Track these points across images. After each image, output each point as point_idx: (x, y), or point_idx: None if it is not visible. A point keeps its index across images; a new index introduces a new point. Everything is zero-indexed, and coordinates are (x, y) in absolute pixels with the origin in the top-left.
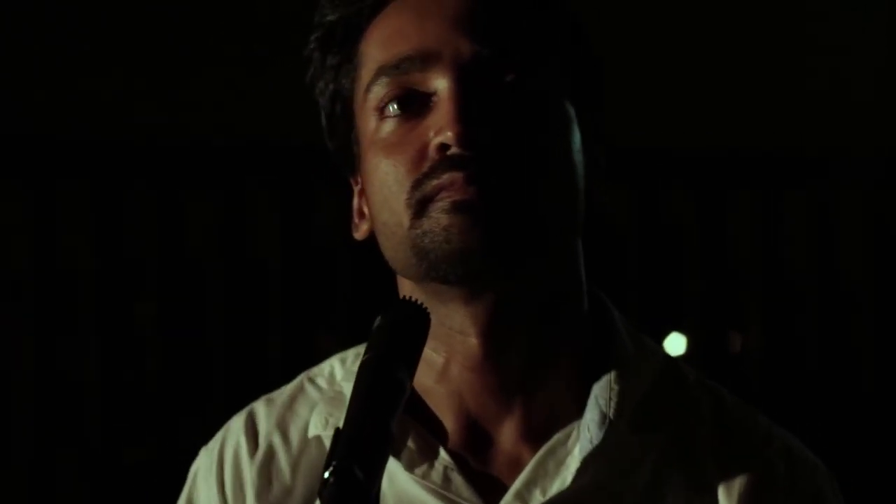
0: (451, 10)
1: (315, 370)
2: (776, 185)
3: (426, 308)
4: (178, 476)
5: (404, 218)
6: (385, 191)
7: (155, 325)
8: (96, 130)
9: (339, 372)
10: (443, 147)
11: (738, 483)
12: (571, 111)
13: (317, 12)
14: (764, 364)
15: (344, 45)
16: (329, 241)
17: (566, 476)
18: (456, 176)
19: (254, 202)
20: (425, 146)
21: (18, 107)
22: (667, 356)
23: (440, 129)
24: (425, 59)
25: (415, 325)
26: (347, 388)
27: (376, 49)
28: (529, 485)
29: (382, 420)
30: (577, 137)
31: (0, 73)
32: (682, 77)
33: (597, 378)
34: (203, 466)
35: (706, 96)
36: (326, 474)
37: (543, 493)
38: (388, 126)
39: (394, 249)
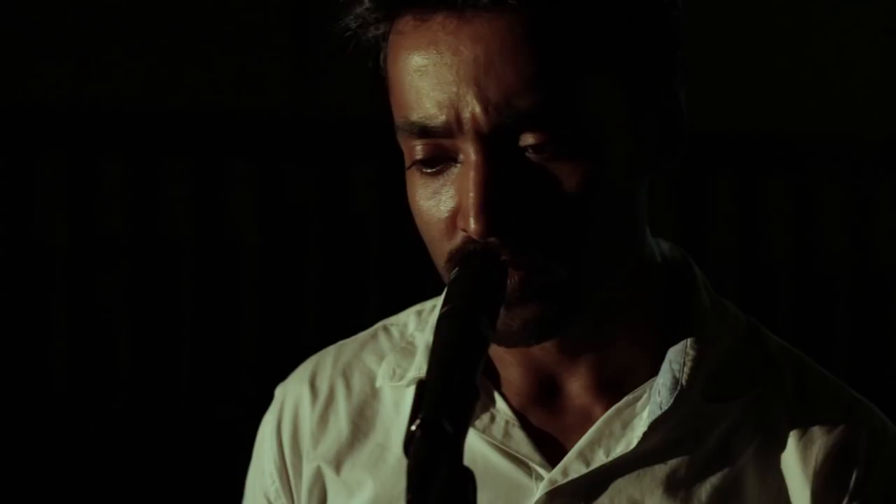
0: (469, 64)
1: (392, 319)
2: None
3: (505, 260)
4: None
5: (445, 279)
6: (426, 240)
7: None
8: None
9: (413, 323)
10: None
11: (816, 455)
12: (626, 124)
13: None
14: None
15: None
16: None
17: (632, 439)
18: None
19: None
20: (455, 215)
21: None
22: (749, 321)
23: (464, 215)
24: (446, 130)
25: (494, 276)
26: (420, 339)
27: (398, 74)
28: (593, 444)
29: (468, 372)
30: (628, 162)
31: None
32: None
33: (673, 340)
34: (267, 423)
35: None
36: (413, 427)
37: (607, 453)
38: (419, 178)
39: (444, 279)
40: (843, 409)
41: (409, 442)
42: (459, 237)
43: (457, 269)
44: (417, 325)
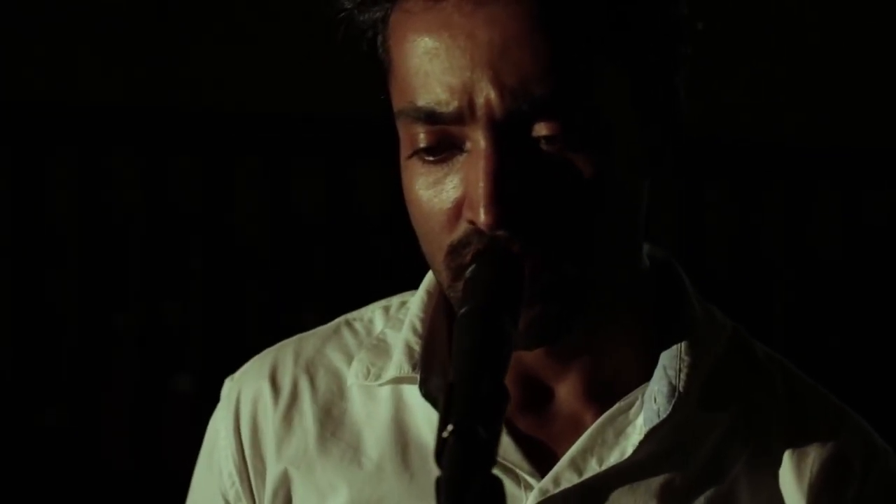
0: (485, 49)
1: (355, 314)
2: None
3: (520, 256)
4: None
5: (443, 275)
6: (421, 232)
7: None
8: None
9: (381, 320)
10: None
11: (811, 466)
12: (633, 118)
13: None
14: None
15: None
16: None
17: (626, 447)
18: None
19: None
20: (459, 205)
21: None
22: (735, 328)
23: (473, 205)
24: (457, 116)
25: (513, 273)
26: (394, 338)
27: (404, 56)
28: (585, 453)
29: (497, 374)
30: (632, 157)
31: None
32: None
33: (664, 345)
34: (221, 419)
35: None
36: (445, 434)
37: (600, 462)
38: (420, 167)
39: (437, 276)
40: (833, 421)
41: (442, 450)
42: (462, 229)
43: (474, 265)
44: (387, 322)
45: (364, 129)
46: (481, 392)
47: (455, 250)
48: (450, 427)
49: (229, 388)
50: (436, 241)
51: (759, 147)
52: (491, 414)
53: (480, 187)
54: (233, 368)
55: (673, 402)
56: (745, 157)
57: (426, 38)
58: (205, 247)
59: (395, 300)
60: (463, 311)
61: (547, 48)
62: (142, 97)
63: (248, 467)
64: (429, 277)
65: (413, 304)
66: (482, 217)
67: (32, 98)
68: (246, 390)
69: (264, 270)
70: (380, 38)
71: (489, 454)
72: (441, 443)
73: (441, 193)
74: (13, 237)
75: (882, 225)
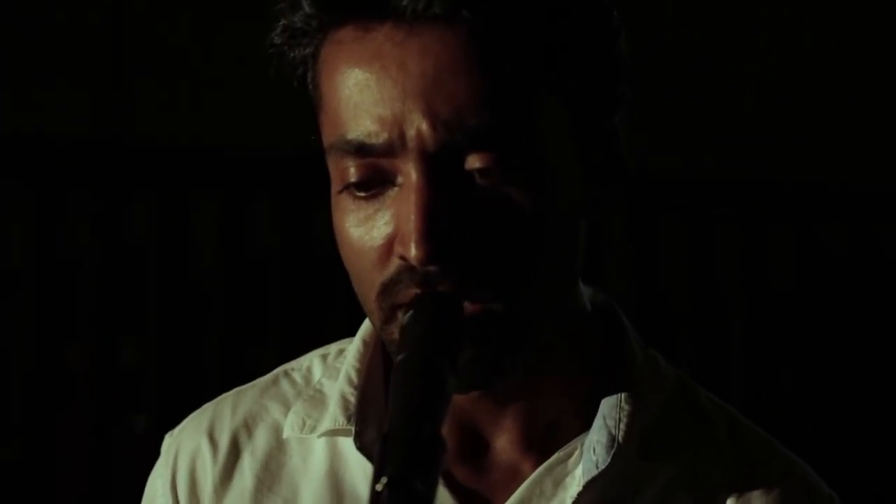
0: (417, 79)
1: (293, 364)
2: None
3: (460, 301)
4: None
5: (375, 316)
6: (353, 272)
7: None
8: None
9: (319, 369)
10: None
11: None
12: (570, 153)
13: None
14: None
15: (307, 44)
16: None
17: (564, 498)
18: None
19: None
20: (391, 241)
21: None
22: (678, 374)
23: (403, 240)
24: (388, 148)
25: (450, 318)
26: (330, 388)
27: (334, 89)
28: None
29: (434, 424)
30: (569, 194)
31: None
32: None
33: (605, 393)
34: (158, 476)
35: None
36: (379, 487)
37: None
38: (351, 203)
39: (369, 316)
40: (777, 469)
41: (376, 502)
42: (394, 266)
43: (410, 312)
44: (324, 371)
45: (322, 166)
46: (418, 443)
47: (386, 289)
48: (384, 480)
49: (168, 444)
50: (367, 280)
51: (708, 182)
52: (427, 465)
53: (412, 221)
54: (189, 407)
55: (612, 452)
56: (694, 190)
57: (356, 70)
58: (160, 284)
59: (333, 348)
60: (399, 358)
61: (481, 78)
62: (94, 132)
63: None
64: (365, 325)
65: (349, 353)
66: (413, 252)
67: None
68: (184, 447)
69: (220, 308)
70: (310, 74)
71: None
72: (375, 497)
73: (372, 230)
74: None
75: (836, 255)
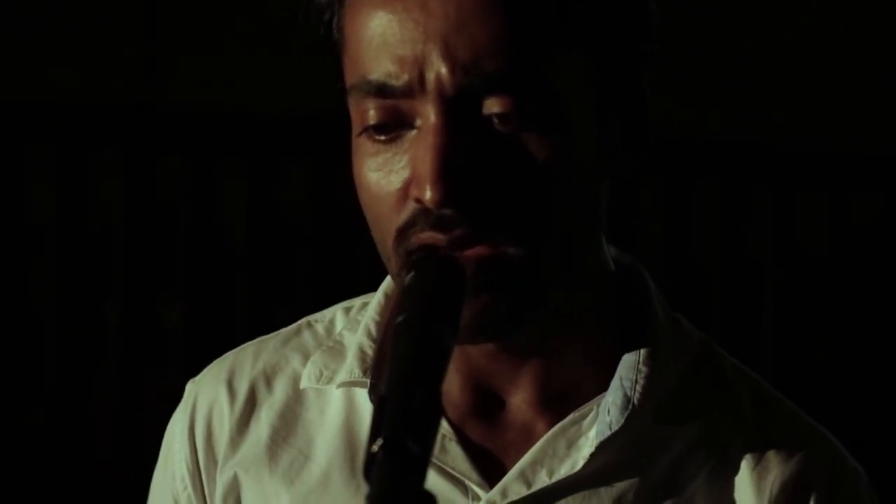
0: (439, 21)
1: (317, 315)
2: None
3: (463, 265)
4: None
5: (392, 262)
6: (371, 218)
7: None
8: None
9: (341, 321)
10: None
11: (771, 484)
12: (591, 109)
13: None
14: None
15: None
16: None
17: (577, 459)
18: (437, 238)
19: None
20: (407, 186)
21: None
22: (703, 338)
23: (419, 182)
24: (407, 89)
25: (452, 281)
26: (350, 340)
27: (356, 32)
28: (535, 464)
29: (431, 387)
30: (590, 147)
31: None
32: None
33: (626, 352)
34: (177, 422)
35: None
36: (374, 448)
37: (550, 474)
38: (370, 147)
39: (386, 264)
40: (800, 437)
41: (370, 464)
42: (409, 209)
43: (412, 273)
44: (346, 323)
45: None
46: (413, 405)
47: (402, 234)
48: (379, 441)
49: (189, 390)
50: (384, 225)
51: (747, 147)
52: (423, 428)
53: (427, 162)
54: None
55: (626, 414)
56: (734, 157)
57: (380, 11)
58: (189, 245)
59: (357, 301)
60: (398, 320)
61: (502, 24)
62: (127, 97)
63: (200, 472)
64: (388, 279)
65: (370, 306)
66: (427, 193)
67: (14, 97)
68: (203, 394)
69: (249, 268)
70: (335, 18)
71: (420, 469)
72: (370, 458)
73: (390, 175)
74: None
75: (869, 226)
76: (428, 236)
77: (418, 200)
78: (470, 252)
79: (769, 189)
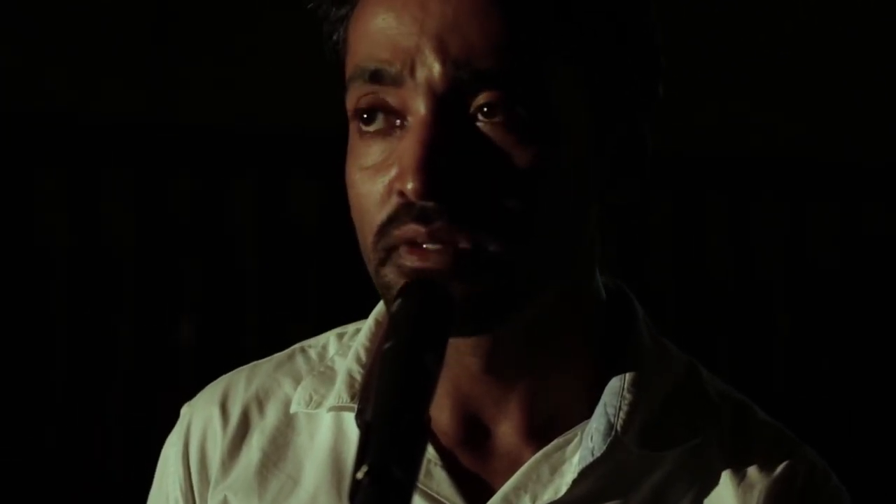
0: (435, 19)
1: (311, 341)
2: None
3: (451, 291)
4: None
5: (372, 259)
6: (356, 217)
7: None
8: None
9: (334, 347)
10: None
11: (758, 497)
12: (585, 128)
13: None
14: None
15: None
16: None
17: (560, 485)
18: (418, 230)
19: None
20: (393, 183)
21: None
22: (688, 361)
23: (402, 174)
24: (398, 78)
25: (440, 308)
26: (340, 365)
27: (358, 32)
28: (519, 489)
29: (416, 413)
30: (580, 162)
31: None
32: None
33: (611, 377)
34: (172, 444)
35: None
36: (359, 475)
37: (534, 499)
38: (360, 146)
39: (367, 263)
40: (782, 454)
41: (356, 492)
42: (393, 204)
43: (399, 299)
44: (338, 349)
45: None
46: (398, 431)
47: (383, 228)
48: (364, 468)
49: (184, 413)
50: (368, 223)
51: (754, 160)
52: (408, 453)
53: (412, 153)
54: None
55: (609, 441)
56: (741, 169)
57: (380, 9)
58: (201, 262)
59: (351, 327)
60: (386, 347)
61: (498, 26)
62: (136, 114)
63: (193, 492)
64: (379, 306)
65: (362, 332)
66: (410, 184)
67: (24, 118)
68: (197, 417)
69: (260, 284)
70: (341, 32)
71: (405, 495)
72: (355, 485)
73: (377, 174)
74: (2, 253)
75: (880, 236)
76: (408, 229)
77: (402, 194)
78: (448, 243)
79: (781, 201)
